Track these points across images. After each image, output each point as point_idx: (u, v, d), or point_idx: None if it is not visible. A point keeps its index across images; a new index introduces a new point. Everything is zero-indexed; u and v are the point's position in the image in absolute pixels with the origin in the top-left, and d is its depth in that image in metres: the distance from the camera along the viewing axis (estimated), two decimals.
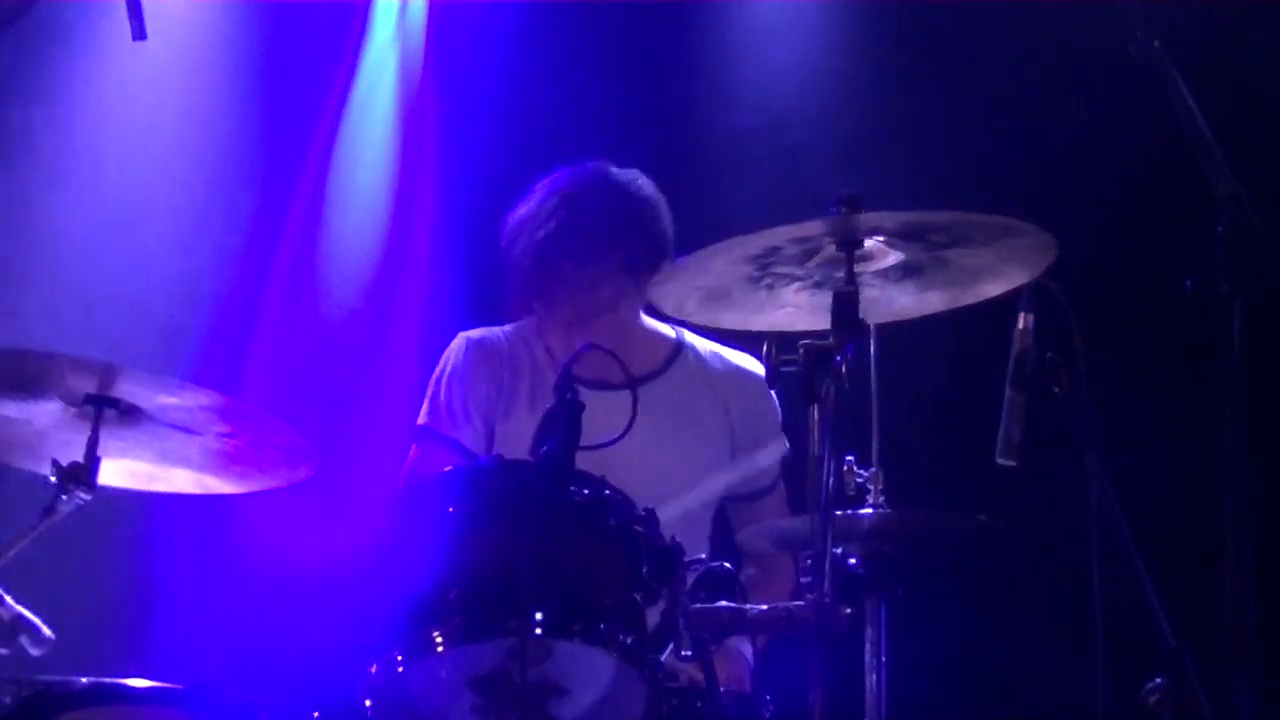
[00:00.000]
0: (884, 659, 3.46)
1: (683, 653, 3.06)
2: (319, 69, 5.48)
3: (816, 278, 3.21)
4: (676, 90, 5.42)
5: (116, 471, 3.44)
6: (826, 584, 2.91)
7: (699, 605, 3.12)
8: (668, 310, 3.42)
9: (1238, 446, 2.67)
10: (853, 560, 3.45)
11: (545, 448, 3.14)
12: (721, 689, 3.20)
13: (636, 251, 4.10)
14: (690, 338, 4.24)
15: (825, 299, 3.12)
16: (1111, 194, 4.99)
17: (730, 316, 3.43)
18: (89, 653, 3.73)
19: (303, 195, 5.43)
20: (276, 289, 5.34)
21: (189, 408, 3.37)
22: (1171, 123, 2.87)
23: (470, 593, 2.94)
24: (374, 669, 2.99)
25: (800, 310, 3.28)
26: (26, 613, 3.30)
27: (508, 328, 4.25)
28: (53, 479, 3.33)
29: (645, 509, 3.08)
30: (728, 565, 3.24)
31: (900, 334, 3.44)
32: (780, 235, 3.13)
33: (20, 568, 3.32)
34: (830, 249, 3.15)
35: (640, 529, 3.05)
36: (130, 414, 3.37)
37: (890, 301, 3.30)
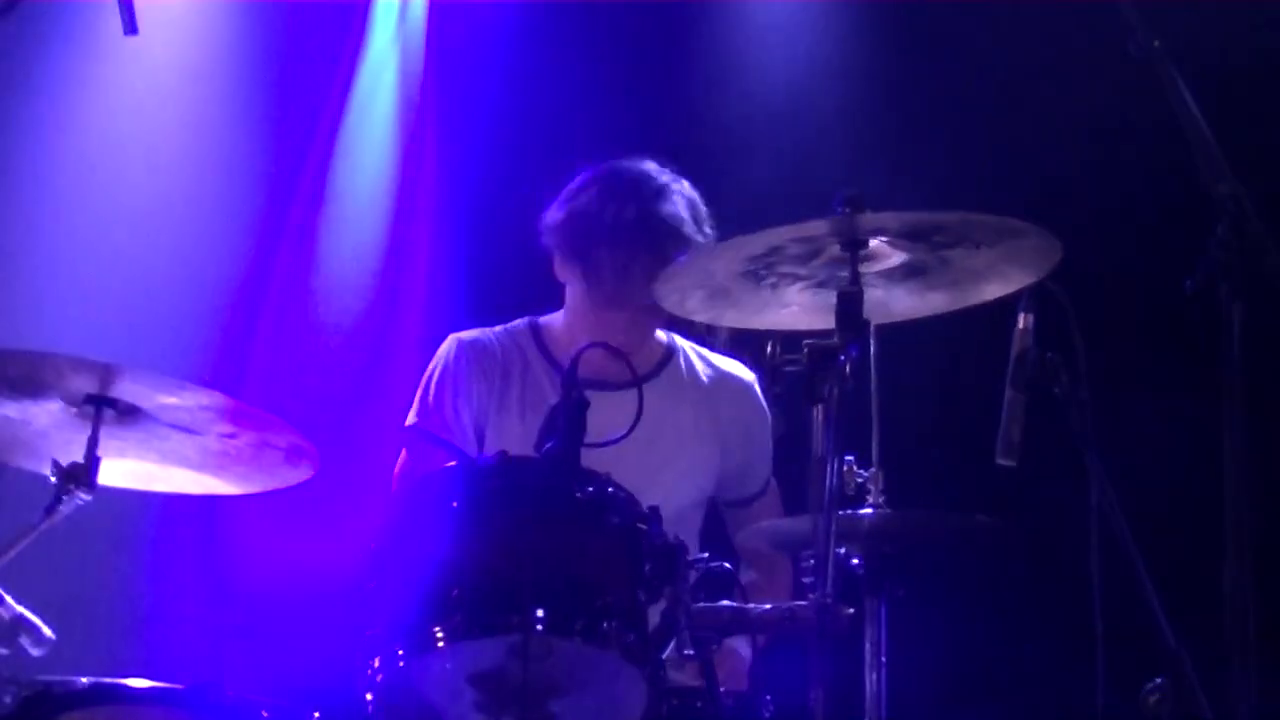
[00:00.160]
0: (884, 659, 3.46)
1: (684, 652, 3.06)
2: (319, 69, 5.48)
3: (820, 277, 3.21)
4: (678, 90, 5.42)
5: (116, 471, 3.43)
6: (828, 584, 2.92)
7: (701, 604, 3.12)
8: (671, 309, 3.42)
9: (1238, 446, 2.67)
10: (854, 560, 3.46)
11: (549, 445, 3.14)
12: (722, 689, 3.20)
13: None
14: (681, 343, 4.25)
15: (828, 299, 3.12)
16: (1112, 194, 5.00)
17: (733, 315, 3.43)
18: (89, 653, 3.72)
19: (303, 195, 5.43)
20: (277, 289, 5.34)
21: (189, 408, 3.37)
22: (1171, 123, 2.87)
23: (472, 589, 2.94)
24: (375, 665, 2.99)
25: (803, 310, 3.28)
26: (27, 613, 3.29)
27: (499, 329, 4.24)
28: (53, 479, 3.33)
29: (649, 507, 3.08)
30: (728, 565, 3.24)
31: (900, 334, 3.44)
32: (783, 235, 3.13)
33: (20, 568, 3.31)
34: (834, 249, 3.15)
35: (643, 527, 3.05)
36: (130, 414, 3.37)
37: (893, 302, 3.30)
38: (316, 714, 3.22)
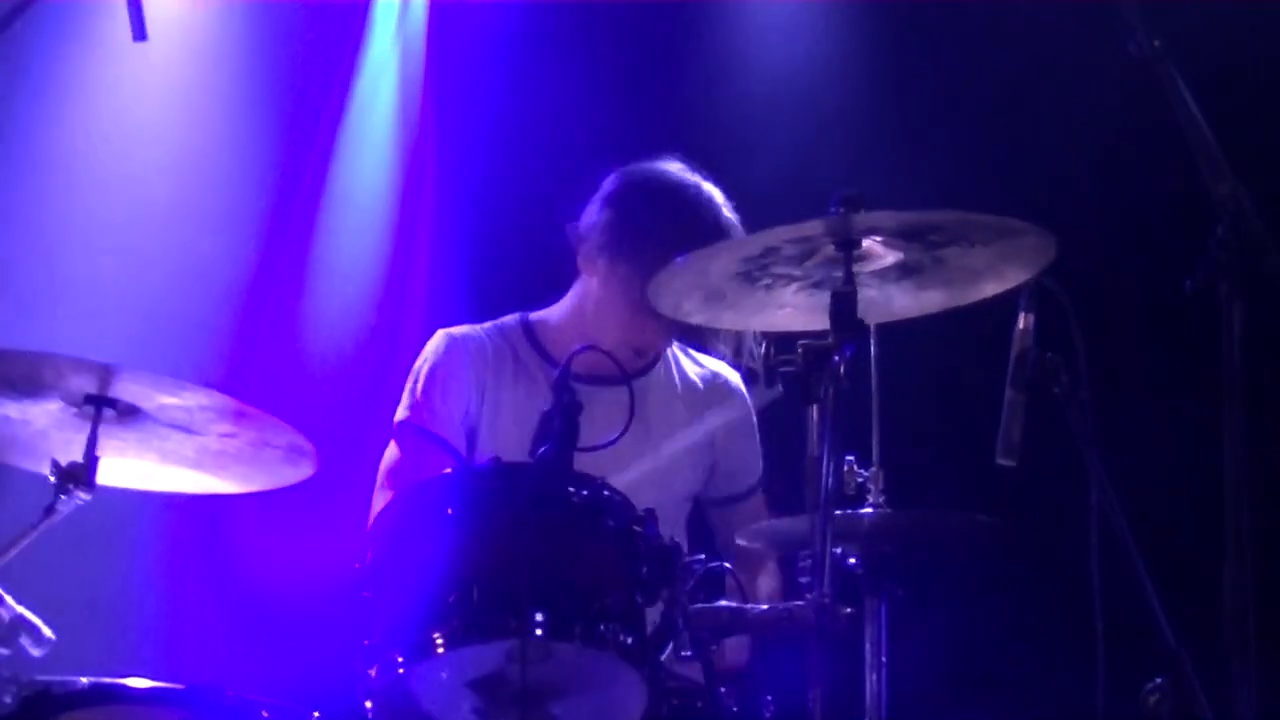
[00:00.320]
0: (884, 659, 3.46)
1: (683, 653, 3.06)
2: (321, 71, 5.48)
3: (815, 278, 3.21)
4: (678, 90, 5.42)
5: (116, 471, 3.44)
6: (826, 584, 2.92)
7: (699, 605, 3.12)
8: (666, 310, 3.42)
9: (1238, 446, 2.67)
10: (852, 560, 3.46)
11: (543, 449, 3.14)
12: (722, 688, 3.20)
13: None
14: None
15: (824, 299, 3.12)
16: (1111, 194, 4.99)
17: (729, 316, 3.43)
18: (89, 653, 3.72)
19: (303, 195, 5.42)
20: (277, 289, 5.34)
21: (189, 408, 3.37)
22: (1171, 122, 2.87)
23: (470, 595, 2.94)
24: (374, 670, 2.99)
25: (799, 310, 3.28)
26: (27, 613, 3.29)
27: (488, 325, 4.23)
28: (52, 479, 3.33)
29: (644, 509, 3.08)
30: (727, 565, 3.24)
31: (900, 334, 3.44)
32: (779, 235, 3.13)
33: (20, 568, 3.32)
34: (829, 249, 3.15)
35: (639, 529, 3.06)
36: (130, 414, 3.37)
37: (889, 301, 3.30)
38: (316, 714, 3.22)
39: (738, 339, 4.19)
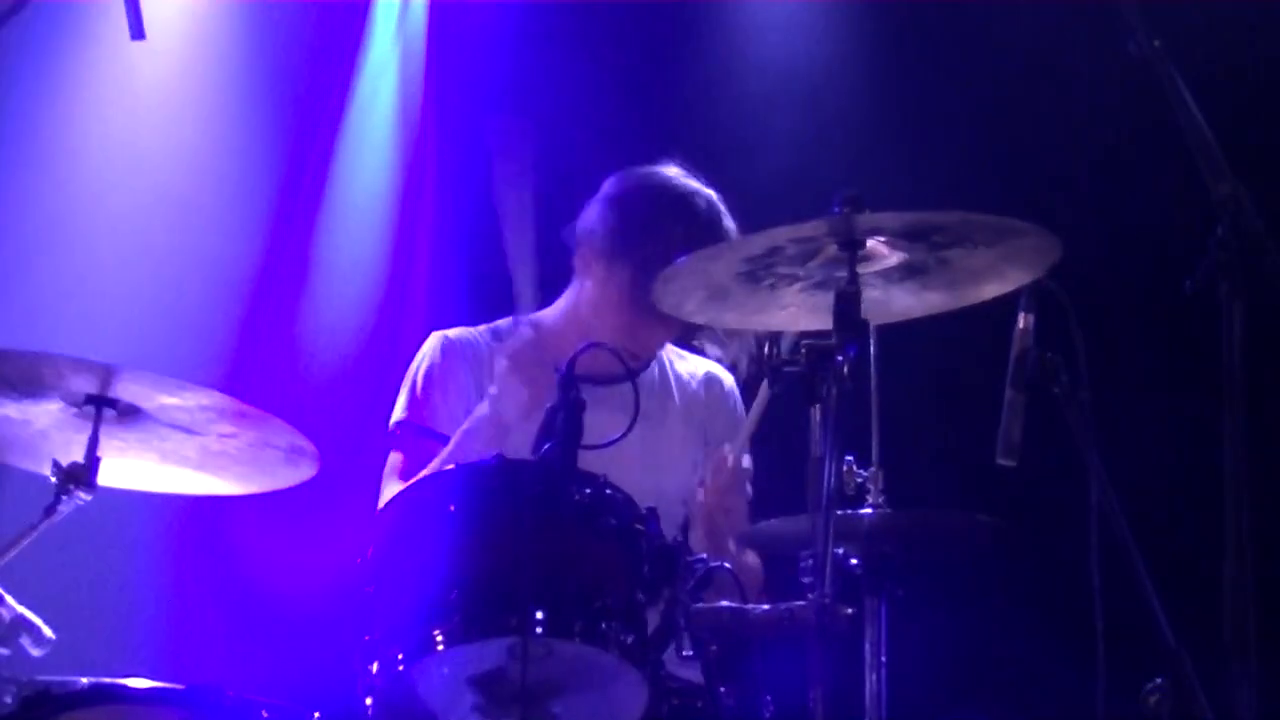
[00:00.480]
0: (884, 659, 3.46)
1: (684, 653, 3.06)
2: (321, 71, 5.48)
3: (818, 278, 3.21)
4: (677, 91, 5.42)
5: (116, 471, 3.44)
6: (827, 584, 2.92)
7: (700, 605, 3.12)
8: (668, 310, 3.42)
9: (1238, 446, 2.67)
10: (853, 560, 3.46)
11: (546, 447, 3.14)
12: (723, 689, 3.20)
13: None
14: None
15: (826, 299, 3.12)
16: (1111, 194, 5.00)
17: (731, 316, 3.43)
18: (89, 653, 3.72)
19: (304, 196, 5.42)
20: (277, 289, 5.34)
21: (189, 408, 3.37)
22: (1171, 122, 2.87)
23: (471, 592, 2.94)
24: (375, 668, 2.99)
25: (801, 310, 3.28)
26: (27, 613, 3.30)
27: (483, 328, 4.23)
28: (53, 479, 3.33)
29: (647, 508, 3.09)
30: (727, 565, 3.24)
31: (900, 334, 3.44)
32: (781, 235, 3.13)
33: (20, 568, 3.32)
34: (832, 249, 3.15)
35: (641, 528, 3.06)
36: (130, 414, 3.37)
37: (892, 302, 3.30)
38: (316, 714, 3.22)
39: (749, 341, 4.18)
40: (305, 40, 5.42)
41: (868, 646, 3.45)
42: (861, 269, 3.14)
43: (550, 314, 4.21)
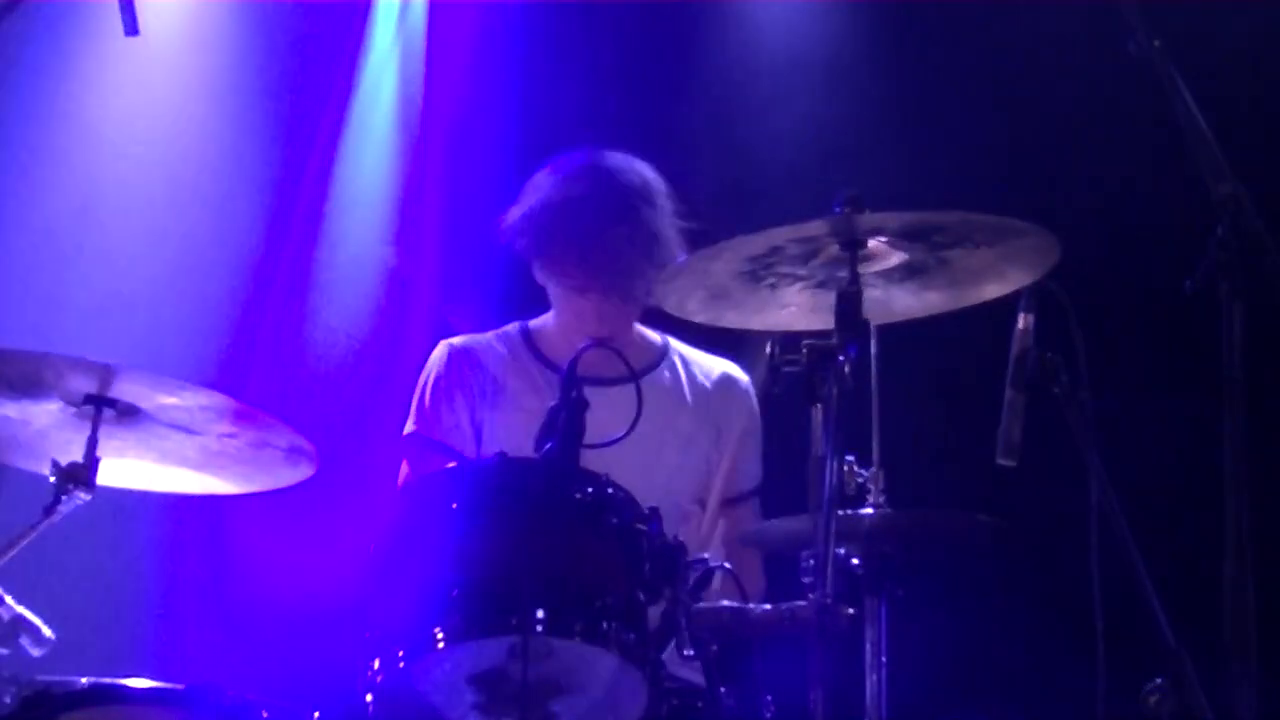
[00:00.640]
0: (884, 659, 3.46)
1: (684, 652, 3.06)
2: (322, 70, 5.48)
3: (819, 278, 3.21)
4: (677, 91, 5.42)
5: (116, 471, 3.44)
6: (828, 584, 2.92)
7: (701, 605, 3.12)
8: (670, 309, 3.42)
9: (1238, 446, 2.67)
10: (854, 560, 3.45)
11: (549, 446, 3.14)
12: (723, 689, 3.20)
13: (659, 225, 4.10)
14: (675, 344, 4.26)
15: (827, 299, 3.12)
16: (1111, 194, 4.99)
17: (732, 316, 3.43)
18: (89, 653, 3.72)
19: (304, 196, 5.42)
20: (277, 289, 5.34)
21: (189, 408, 3.37)
22: (1171, 122, 2.87)
23: (472, 590, 2.94)
24: (375, 666, 2.99)
25: (802, 310, 3.28)
26: (27, 613, 3.29)
27: (490, 334, 4.25)
28: (52, 479, 3.33)
29: (649, 507, 3.08)
30: (727, 565, 3.24)
31: (900, 334, 3.44)
32: (783, 235, 3.13)
33: (20, 568, 3.31)
34: (833, 249, 3.15)
35: (643, 527, 3.06)
36: (130, 414, 3.37)
37: (892, 302, 3.30)
38: (316, 714, 3.22)
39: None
40: (306, 39, 5.42)
41: (868, 646, 3.45)
42: (862, 269, 3.14)
43: (549, 318, 4.25)
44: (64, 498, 3.32)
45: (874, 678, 3.44)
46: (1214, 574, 2.64)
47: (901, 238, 3.16)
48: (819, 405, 3.04)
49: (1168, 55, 2.91)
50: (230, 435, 3.44)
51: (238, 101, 5.36)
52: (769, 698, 3.32)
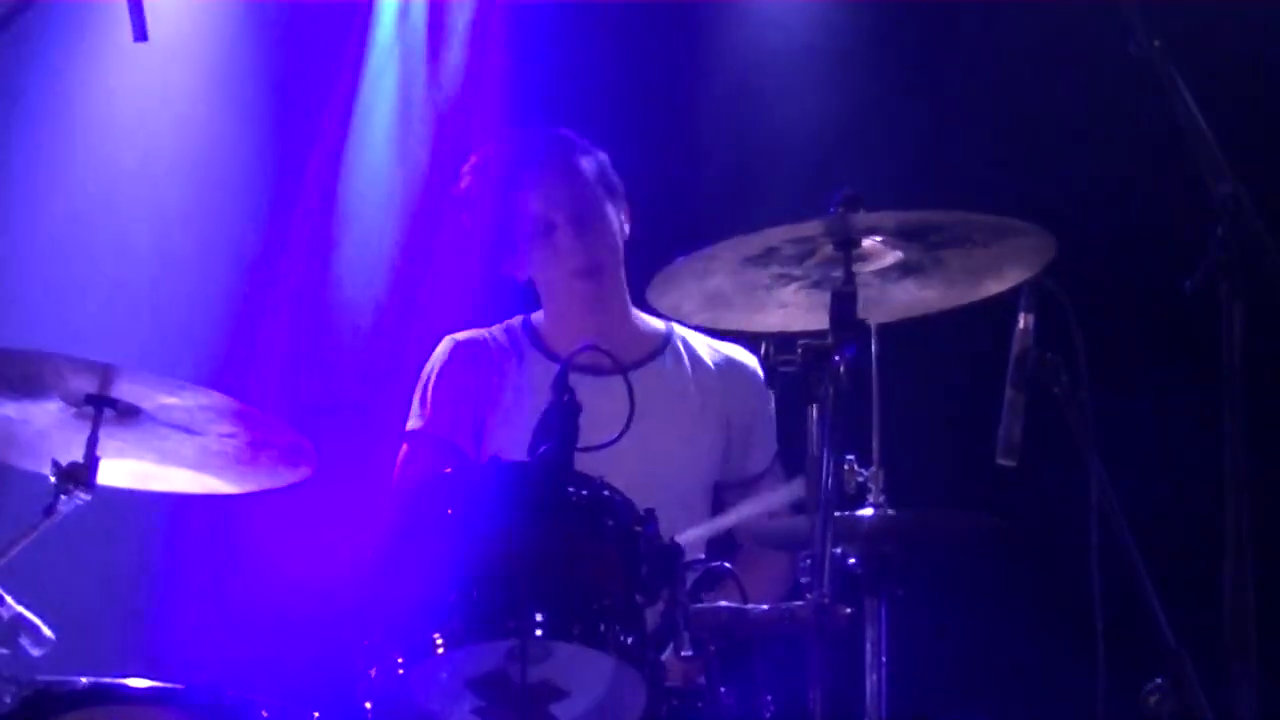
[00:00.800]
0: (884, 659, 3.46)
1: (683, 653, 3.06)
2: (325, 71, 5.48)
3: (815, 277, 3.20)
4: (676, 91, 5.41)
5: (116, 471, 3.44)
6: (826, 584, 2.91)
7: (699, 605, 3.12)
8: (665, 311, 3.42)
9: (1238, 446, 2.67)
10: (852, 560, 3.45)
11: (543, 449, 3.14)
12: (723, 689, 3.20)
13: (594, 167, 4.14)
14: (680, 329, 4.25)
15: (824, 299, 3.12)
16: (1111, 193, 4.99)
17: (728, 317, 3.43)
18: (89, 653, 3.72)
19: (306, 196, 5.42)
20: (277, 289, 5.34)
21: (189, 408, 3.37)
22: (1171, 122, 2.87)
23: (470, 595, 2.94)
24: (374, 671, 2.99)
25: (798, 310, 3.28)
26: (26, 613, 3.29)
27: (494, 328, 4.25)
28: (52, 479, 3.33)
29: (645, 509, 3.08)
30: (728, 565, 3.24)
31: (900, 334, 3.44)
32: (778, 235, 3.13)
33: (20, 568, 3.31)
34: (828, 248, 3.15)
35: (639, 529, 3.05)
36: (130, 414, 3.37)
37: (889, 301, 3.30)
38: (316, 714, 3.22)
39: None
40: (307, 39, 5.42)
41: (868, 646, 3.44)
42: (858, 268, 3.14)
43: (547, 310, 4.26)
44: (64, 498, 3.31)
45: (874, 678, 3.44)
46: (1214, 574, 2.64)
47: (897, 237, 3.16)
48: (815, 405, 3.03)
49: (1168, 55, 2.90)
50: (230, 435, 3.44)
51: (238, 102, 5.36)
52: (768, 698, 3.32)
